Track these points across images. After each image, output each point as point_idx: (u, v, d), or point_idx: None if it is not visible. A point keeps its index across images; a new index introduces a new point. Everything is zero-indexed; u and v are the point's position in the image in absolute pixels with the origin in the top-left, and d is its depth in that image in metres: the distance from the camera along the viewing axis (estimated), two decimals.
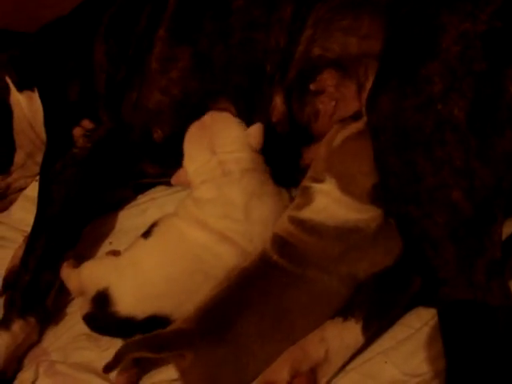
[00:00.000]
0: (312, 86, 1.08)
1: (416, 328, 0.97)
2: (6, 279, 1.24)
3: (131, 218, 1.32)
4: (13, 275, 1.22)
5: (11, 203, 1.42)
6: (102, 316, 1.05)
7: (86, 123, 1.23)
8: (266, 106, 1.13)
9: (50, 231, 1.18)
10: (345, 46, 1.08)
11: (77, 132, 1.23)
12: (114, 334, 1.08)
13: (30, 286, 1.15)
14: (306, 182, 1.02)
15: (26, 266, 1.16)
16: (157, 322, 1.03)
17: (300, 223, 0.98)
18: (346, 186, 0.97)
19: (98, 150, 1.23)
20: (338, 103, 1.08)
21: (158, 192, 1.35)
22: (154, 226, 1.11)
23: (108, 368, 0.94)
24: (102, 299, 1.05)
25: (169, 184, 1.34)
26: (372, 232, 0.95)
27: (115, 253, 1.16)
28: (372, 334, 0.95)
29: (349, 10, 1.10)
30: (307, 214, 0.98)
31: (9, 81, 1.35)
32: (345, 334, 0.93)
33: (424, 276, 0.92)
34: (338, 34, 1.09)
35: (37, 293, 1.15)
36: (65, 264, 1.14)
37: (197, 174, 1.11)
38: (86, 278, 1.09)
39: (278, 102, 1.12)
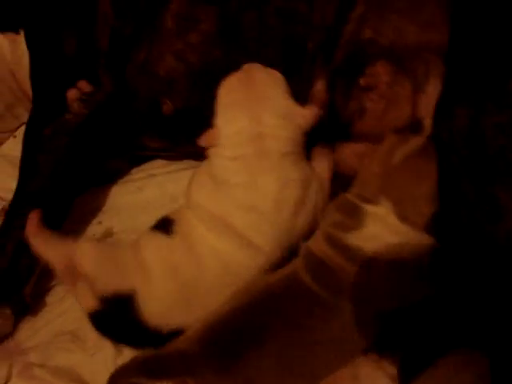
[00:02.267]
0: (362, 81, 0.92)
1: None
2: None
3: (125, 194, 1.16)
4: None
5: None
6: (120, 321, 0.88)
7: (83, 85, 1.04)
8: (305, 91, 0.97)
9: (32, 209, 1.01)
10: (400, 33, 0.93)
11: (71, 94, 1.04)
12: (125, 341, 0.92)
13: (7, 273, 0.99)
14: (353, 199, 0.87)
15: (2, 249, 1.00)
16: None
17: (344, 249, 0.84)
18: (404, 213, 0.83)
19: (95, 117, 1.05)
20: (389, 104, 0.92)
21: (157, 168, 1.18)
22: (168, 220, 0.93)
23: None
24: (123, 302, 0.87)
25: (170, 158, 1.18)
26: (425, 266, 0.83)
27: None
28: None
29: None
30: (355, 240, 0.84)
31: None
32: (379, 374, 0.82)
33: None
34: (394, 17, 0.93)
35: (14, 280, 0.99)
36: (34, 226, 0.92)
37: (231, 142, 0.91)
38: (99, 266, 0.89)
39: (320, 88, 0.96)
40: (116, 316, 0.88)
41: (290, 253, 0.91)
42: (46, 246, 0.91)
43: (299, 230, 0.91)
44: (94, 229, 1.12)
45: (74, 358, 0.96)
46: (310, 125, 0.92)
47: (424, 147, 0.84)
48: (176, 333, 0.86)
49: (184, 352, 0.82)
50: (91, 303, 0.88)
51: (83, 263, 0.88)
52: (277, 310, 0.83)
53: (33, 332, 1.01)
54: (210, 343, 0.82)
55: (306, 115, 0.91)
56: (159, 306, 0.87)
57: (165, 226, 0.92)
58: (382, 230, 0.83)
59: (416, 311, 0.84)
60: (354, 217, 0.85)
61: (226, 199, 0.90)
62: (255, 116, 0.90)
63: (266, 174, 0.90)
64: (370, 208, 0.85)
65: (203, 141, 0.94)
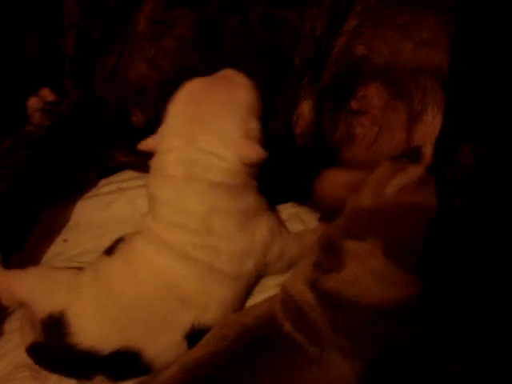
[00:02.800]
0: (353, 104, 0.83)
1: None
2: None
3: (93, 210, 1.06)
4: None
5: None
6: (54, 348, 0.83)
7: (46, 93, 0.95)
8: (287, 110, 0.88)
9: None
10: (397, 52, 0.84)
11: (32, 103, 0.94)
12: (68, 372, 0.86)
13: None
14: (334, 235, 0.80)
15: None
16: (125, 358, 0.82)
17: (323, 295, 0.77)
18: (393, 252, 0.75)
19: (59, 129, 0.95)
20: (381, 130, 0.84)
21: (127, 181, 1.08)
22: (119, 240, 0.89)
23: None
24: (55, 326, 0.83)
25: (140, 170, 1.09)
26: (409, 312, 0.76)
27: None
28: None
29: (408, 2, 0.85)
30: (334, 284, 0.77)
31: None
32: None
33: None
34: (391, 33, 0.85)
35: None
36: None
37: (163, 158, 0.85)
38: (33, 291, 0.86)
39: (306, 108, 0.88)
40: (51, 343, 0.83)
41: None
42: None
43: (246, 261, 0.86)
44: (59, 247, 1.03)
45: None
46: (255, 162, 0.83)
47: (422, 180, 0.77)
48: (120, 355, 0.82)
49: None
50: (28, 336, 0.86)
51: (17, 290, 0.86)
52: (255, 357, 0.76)
53: None
54: None
55: (250, 154, 0.83)
56: (92, 326, 0.82)
57: (112, 246, 0.89)
58: (364, 271, 0.76)
59: (404, 354, 0.78)
60: (334, 257, 0.78)
61: (158, 215, 0.85)
62: (193, 138, 0.83)
63: (192, 198, 0.83)
64: (353, 245, 0.78)
65: (143, 145, 0.88)
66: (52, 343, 0.83)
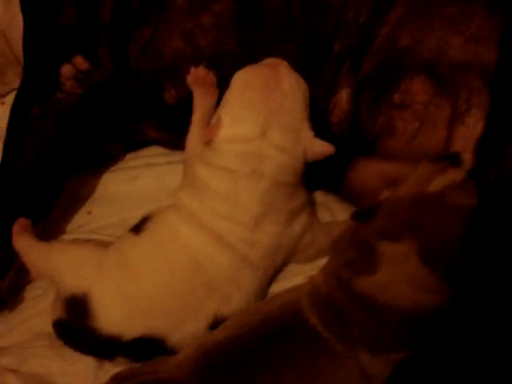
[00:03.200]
0: (396, 97, 0.81)
1: None
2: None
3: (118, 183, 1.05)
4: None
5: None
6: (78, 329, 0.83)
7: (80, 61, 0.93)
8: (324, 98, 0.86)
9: (13, 196, 0.92)
10: (444, 44, 0.81)
11: (66, 71, 0.92)
12: (89, 351, 0.86)
13: None
14: (369, 237, 0.78)
15: None
16: (148, 344, 0.82)
17: (355, 296, 0.76)
18: (429, 255, 0.74)
19: (90, 99, 0.94)
20: (423, 126, 0.82)
21: (156, 156, 1.07)
22: (146, 218, 0.87)
23: None
24: (78, 307, 0.82)
25: (169, 146, 1.07)
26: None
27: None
28: None
29: None
30: (367, 286, 0.76)
31: None
32: None
33: None
34: (438, 25, 0.82)
35: None
36: (19, 230, 0.88)
37: (227, 148, 0.81)
38: (58, 268, 0.85)
39: (344, 97, 0.85)
40: (74, 323, 0.83)
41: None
42: (28, 252, 0.87)
43: (279, 254, 0.85)
44: (82, 219, 1.02)
45: (51, 366, 0.88)
46: (318, 159, 0.82)
47: (463, 183, 0.75)
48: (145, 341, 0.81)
49: (179, 381, 0.76)
50: (56, 311, 0.85)
51: (44, 264, 0.86)
52: (279, 351, 0.76)
53: (8, 330, 0.93)
54: (207, 374, 0.76)
55: (322, 152, 0.81)
56: (115, 312, 0.81)
57: (138, 224, 0.87)
58: (398, 276, 0.75)
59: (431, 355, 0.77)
60: (367, 259, 0.77)
61: (205, 202, 0.83)
62: (266, 129, 0.80)
63: (252, 196, 0.81)
64: (388, 247, 0.76)
65: (205, 135, 0.83)
66: (75, 323, 0.83)
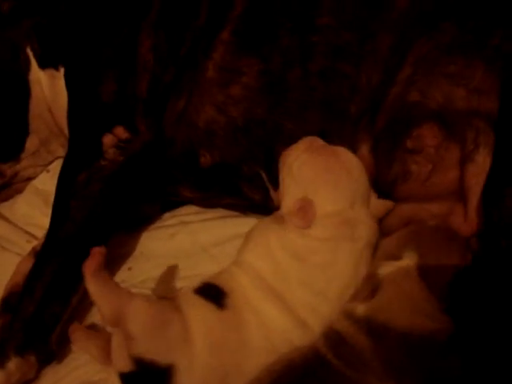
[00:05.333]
0: (409, 143, 0.89)
1: None
2: (5, 300, 1.06)
3: (156, 241, 1.13)
4: (14, 297, 1.03)
5: (16, 192, 1.25)
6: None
7: (120, 131, 1.02)
8: None
9: (63, 255, 1.00)
10: (450, 98, 0.89)
11: (107, 140, 1.02)
12: None
13: (34, 319, 0.97)
14: (372, 267, 0.85)
15: (31, 294, 0.98)
16: None
17: (357, 321, 0.81)
18: (426, 270, 0.79)
19: (131, 165, 1.03)
20: (435, 168, 0.89)
21: (190, 215, 1.16)
22: (214, 288, 0.87)
23: None
24: (159, 374, 0.81)
25: (203, 205, 1.16)
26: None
27: None
28: None
29: (459, 52, 0.91)
30: (367, 309, 0.81)
31: (30, 54, 1.13)
32: None
33: None
34: (443, 81, 0.90)
35: (41, 327, 0.97)
36: (96, 261, 0.84)
37: (325, 222, 0.87)
38: (142, 329, 0.81)
39: (365, 151, 0.93)
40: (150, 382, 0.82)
41: None
42: (101, 289, 0.82)
43: None
44: (124, 274, 1.10)
45: None
46: (381, 216, 0.91)
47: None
48: None
49: None
50: (125, 363, 0.82)
51: (132, 322, 0.81)
52: None
53: (55, 380, 0.98)
54: None
55: (382, 208, 0.91)
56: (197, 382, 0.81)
57: (212, 294, 0.86)
58: (398, 294, 0.80)
59: None
60: (368, 283, 0.83)
61: (292, 274, 0.86)
62: (353, 200, 0.88)
63: (349, 259, 0.86)
64: (390, 266, 0.82)
65: (297, 219, 0.86)
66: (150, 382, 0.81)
